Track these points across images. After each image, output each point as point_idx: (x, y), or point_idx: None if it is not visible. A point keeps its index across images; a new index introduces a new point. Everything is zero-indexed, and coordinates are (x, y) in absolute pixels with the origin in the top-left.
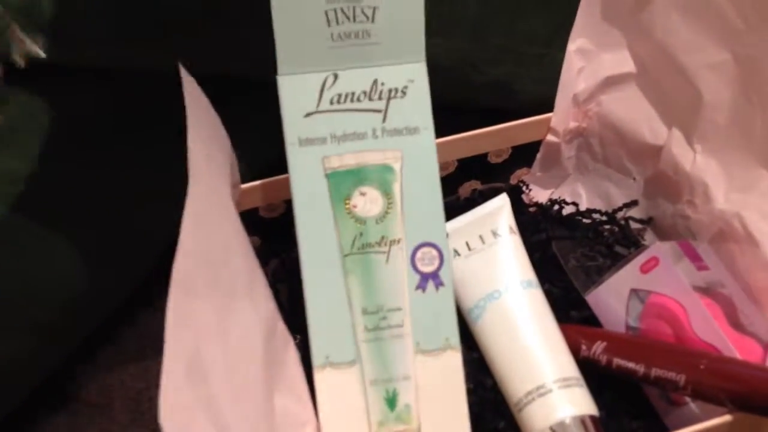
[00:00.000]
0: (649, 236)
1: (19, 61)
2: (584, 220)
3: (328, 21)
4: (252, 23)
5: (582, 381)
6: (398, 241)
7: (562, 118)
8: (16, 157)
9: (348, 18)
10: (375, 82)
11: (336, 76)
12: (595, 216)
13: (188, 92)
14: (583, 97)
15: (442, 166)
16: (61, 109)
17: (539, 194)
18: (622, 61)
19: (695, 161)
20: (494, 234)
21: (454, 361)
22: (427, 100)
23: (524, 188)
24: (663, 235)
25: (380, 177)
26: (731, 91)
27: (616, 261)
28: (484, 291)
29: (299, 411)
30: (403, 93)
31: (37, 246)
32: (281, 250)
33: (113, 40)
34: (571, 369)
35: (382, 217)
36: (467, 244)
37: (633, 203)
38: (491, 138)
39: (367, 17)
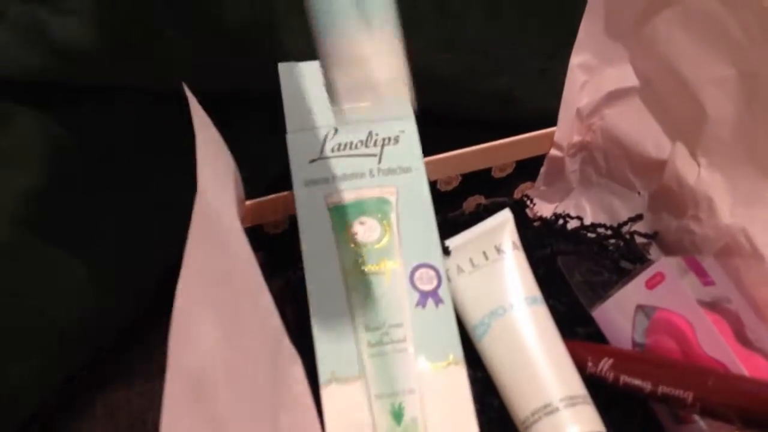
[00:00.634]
0: (654, 251)
1: None
2: (589, 235)
3: None
4: (251, 41)
5: (589, 398)
6: (397, 263)
7: (565, 132)
8: (23, 174)
9: None
10: (370, 133)
11: (336, 130)
12: (600, 230)
13: (194, 112)
14: (586, 111)
15: (446, 181)
16: (67, 127)
17: (543, 208)
18: (625, 76)
19: (700, 175)
20: (498, 250)
21: (458, 375)
22: (418, 145)
23: (528, 202)
24: (668, 249)
25: (378, 208)
26: (735, 106)
27: (622, 276)
28: (488, 308)
29: (305, 428)
30: (396, 141)
31: (44, 265)
32: (285, 265)
33: (110, 55)
34: (577, 387)
35: (380, 242)
36: (471, 260)
37: (638, 217)
38: (495, 153)
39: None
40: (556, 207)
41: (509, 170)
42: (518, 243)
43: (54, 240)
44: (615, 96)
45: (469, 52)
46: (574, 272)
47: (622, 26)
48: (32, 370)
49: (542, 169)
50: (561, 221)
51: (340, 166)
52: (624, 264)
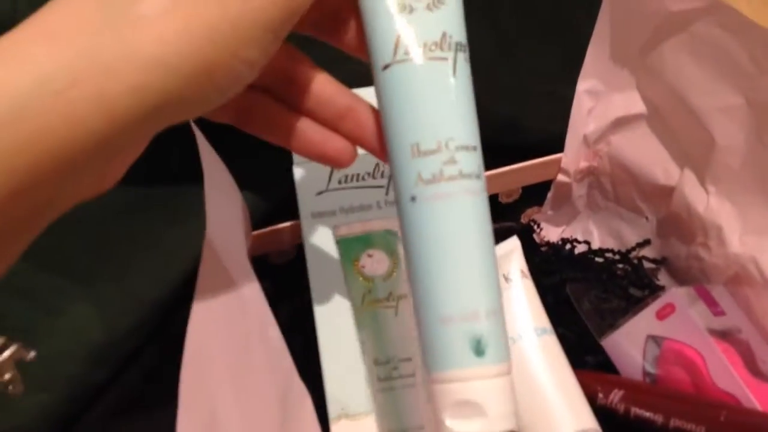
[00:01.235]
0: (663, 276)
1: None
2: (597, 259)
3: None
4: None
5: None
6: (405, 296)
7: (572, 158)
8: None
9: None
10: (377, 165)
11: None
12: (608, 255)
13: (201, 147)
14: (593, 137)
15: None
16: None
17: (550, 232)
18: (632, 102)
19: (709, 203)
20: (506, 279)
21: None
22: None
23: (535, 227)
24: (677, 275)
25: (385, 240)
26: (744, 134)
27: (631, 302)
28: None
29: None
30: None
31: (55, 295)
32: (291, 294)
33: None
34: (588, 419)
35: (389, 275)
36: None
37: (646, 242)
38: (502, 179)
39: None
40: (563, 231)
41: (516, 196)
42: (526, 271)
43: (63, 271)
44: (622, 122)
45: (475, 77)
46: (583, 300)
47: (629, 53)
48: (48, 404)
49: (549, 194)
50: (569, 246)
51: (347, 198)
52: (633, 291)
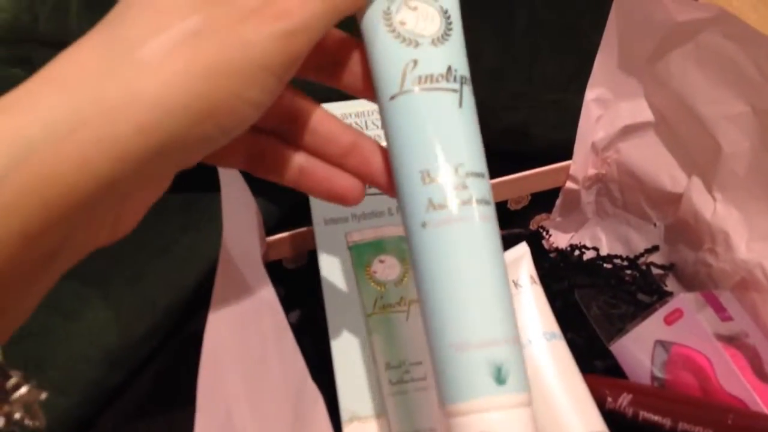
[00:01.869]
0: (670, 282)
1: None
2: (605, 265)
3: None
4: None
5: None
6: (416, 301)
7: (581, 165)
8: None
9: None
10: None
11: None
12: (617, 261)
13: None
14: (601, 145)
15: None
16: None
17: (559, 238)
18: (639, 110)
19: (716, 210)
20: (515, 284)
21: None
22: None
23: (544, 233)
24: (685, 281)
25: (397, 246)
26: (751, 142)
27: (639, 308)
28: None
29: None
30: None
31: (72, 300)
32: (303, 299)
33: None
34: (597, 423)
35: (401, 280)
36: None
37: (654, 248)
38: (511, 186)
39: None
40: (572, 237)
41: (525, 203)
42: (536, 277)
43: (79, 276)
44: (630, 130)
45: (483, 85)
46: (591, 305)
47: (636, 62)
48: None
49: (558, 201)
50: (577, 252)
51: (360, 205)
52: (641, 296)
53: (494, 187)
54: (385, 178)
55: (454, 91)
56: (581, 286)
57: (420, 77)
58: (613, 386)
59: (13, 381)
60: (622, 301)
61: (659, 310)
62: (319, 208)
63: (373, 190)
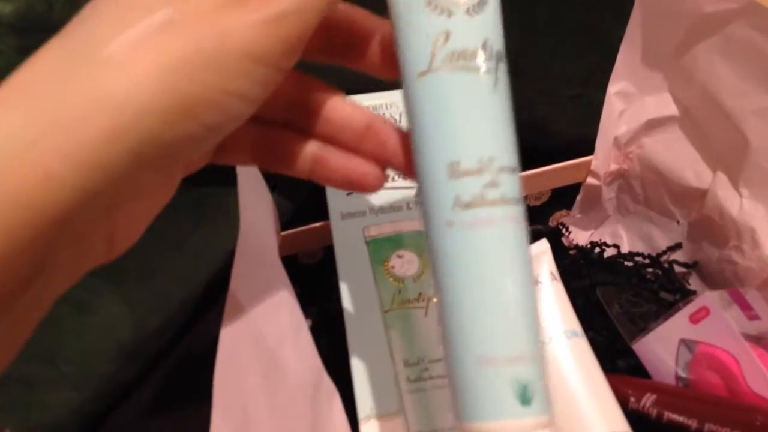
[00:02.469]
0: (694, 281)
1: None
2: (626, 263)
3: None
4: None
5: None
6: (435, 297)
7: (603, 160)
8: None
9: None
10: None
11: None
12: (638, 259)
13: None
14: (624, 139)
15: None
16: None
17: (579, 235)
18: (664, 104)
19: (742, 206)
20: (535, 281)
21: None
22: None
23: (564, 230)
24: (709, 279)
25: (415, 241)
26: None
27: (662, 307)
28: None
29: None
30: None
31: (85, 294)
32: (319, 295)
33: None
34: (620, 423)
35: (419, 275)
36: None
37: (677, 246)
38: (531, 181)
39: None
40: (592, 234)
41: (545, 198)
42: (556, 274)
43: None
44: (653, 125)
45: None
46: (613, 303)
47: (661, 55)
48: (80, 402)
49: (578, 197)
50: (598, 249)
51: (377, 198)
52: (664, 295)
53: None
54: (404, 160)
55: (490, 70)
56: (602, 283)
57: (452, 53)
58: (636, 386)
59: None
60: (644, 299)
61: (684, 309)
62: (336, 201)
63: (391, 183)
